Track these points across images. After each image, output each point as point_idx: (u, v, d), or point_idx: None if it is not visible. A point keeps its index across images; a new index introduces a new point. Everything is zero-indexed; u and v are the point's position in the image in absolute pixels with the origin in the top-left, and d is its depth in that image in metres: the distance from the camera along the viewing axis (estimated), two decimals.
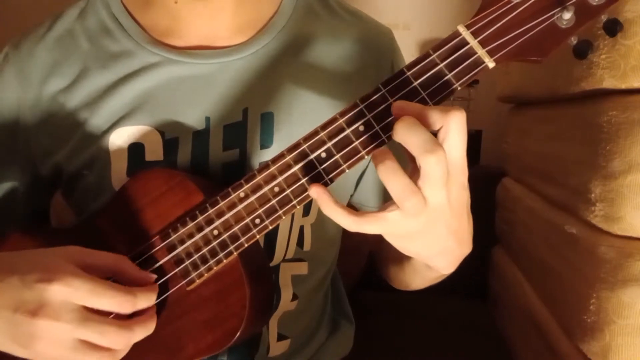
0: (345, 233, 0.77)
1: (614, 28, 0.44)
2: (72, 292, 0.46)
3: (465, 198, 0.45)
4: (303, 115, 0.64)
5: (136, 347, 0.52)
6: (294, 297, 0.68)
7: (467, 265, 0.60)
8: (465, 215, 0.46)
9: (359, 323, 0.84)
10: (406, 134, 0.41)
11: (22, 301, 0.46)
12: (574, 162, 0.76)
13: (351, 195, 0.74)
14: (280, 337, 0.68)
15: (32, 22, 0.69)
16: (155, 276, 0.54)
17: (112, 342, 0.48)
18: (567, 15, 0.44)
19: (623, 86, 0.63)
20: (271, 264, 0.65)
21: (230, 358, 0.65)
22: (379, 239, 0.75)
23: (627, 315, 0.62)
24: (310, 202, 0.65)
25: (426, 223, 0.43)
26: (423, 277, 0.61)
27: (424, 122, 0.42)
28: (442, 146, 0.41)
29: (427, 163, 0.40)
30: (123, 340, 0.48)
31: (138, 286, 0.52)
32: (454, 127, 0.41)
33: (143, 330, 0.50)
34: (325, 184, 0.48)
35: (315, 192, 0.45)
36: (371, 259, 1.19)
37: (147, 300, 0.51)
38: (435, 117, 0.42)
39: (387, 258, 0.70)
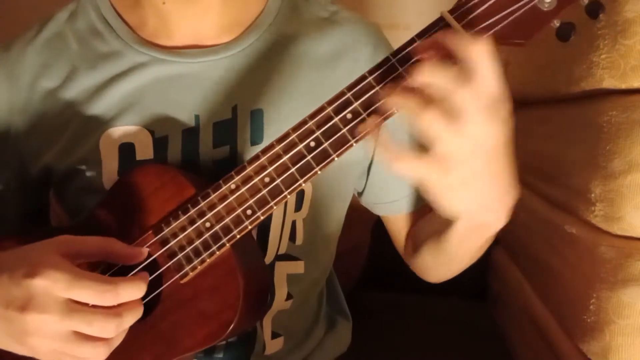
0: (343, 233, 0.77)
1: (595, 10, 0.44)
2: (52, 285, 0.46)
3: (506, 135, 0.43)
4: (293, 111, 0.64)
5: (132, 341, 0.52)
6: (289, 296, 0.68)
7: None
8: (508, 155, 0.44)
9: (359, 323, 0.84)
10: (433, 73, 0.40)
11: (11, 297, 0.46)
12: (574, 162, 0.76)
13: (360, 194, 0.74)
14: (275, 335, 0.68)
15: (32, 22, 0.69)
16: (147, 249, 0.54)
17: (100, 330, 0.47)
18: None
19: (623, 86, 0.63)
20: (265, 261, 0.65)
21: (226, 356, 0.65)
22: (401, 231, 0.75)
23: (627, 315, 0.62)
24: (303, 197, 0.65)
25: (464, 162, 0.42)
26: (469, 246, 0.57)
27: (450, 52, 0.42)
28: (475, 77, 0.40)
29: (463, 99, 0.40)
30: (112, 327, 0.47)
31: (133, 265, 0.52)
32: (483, 57, 0.40)
33: (132, 315, 0.49)
34: (315, 173, 0.49)
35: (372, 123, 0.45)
36: (371, 258, 1.19)
37: (134, 289, 0.49)
38: (464, 46, 0.41)
39: (423, 241, 0.67)
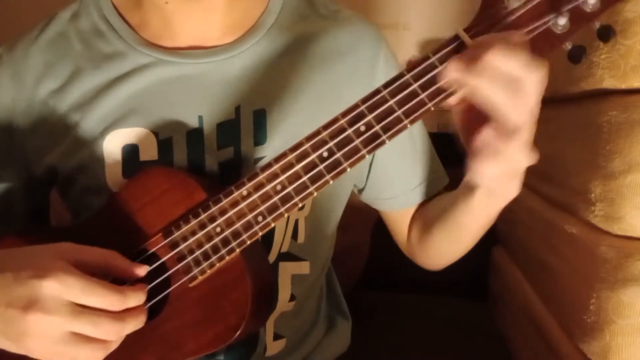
0: (343, 233, 0.77)
1: (607, 34, 0.45)
2: (64, 289, 0.47)
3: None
4: (295, 111, 0.64)
5: (137, 342, 0.52)
6: (292, 297, 0.68)
7: (467, 265, 0.59)
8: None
9: (359, 323, 0.84)
10: (506, 57, 0.41)
11: (14, 297, 0.47)
12: (574, 162, 0.76)
13: (360, 191, 0.75)
14: (277, 337, 0.69)
15: (32, 22, 0.69)
16: (147, 267, 0.54)
17: (105, 333, 0.48)
18: (562, 21, 0.45)
19: (623, 86, 0.63)
20: (269, 259, 0.65)
21: (227, 358, 0.65)
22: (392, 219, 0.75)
23: (627, 315, 0.62)
24: None
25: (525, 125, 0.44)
26: (482, 216, 0.58)
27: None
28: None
29: (531, 82, 0.42)
30: (115, 330, 0.49)
31: (132, 279, 0.53)
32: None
33: (134, 322, 0.51)
34: (326, 182, 0.50)
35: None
36: (371, 258, 1.19)
37: (136, 298, 0.51)
38: (521, 69, 0.42)
39: (434, 217, 0.67)
